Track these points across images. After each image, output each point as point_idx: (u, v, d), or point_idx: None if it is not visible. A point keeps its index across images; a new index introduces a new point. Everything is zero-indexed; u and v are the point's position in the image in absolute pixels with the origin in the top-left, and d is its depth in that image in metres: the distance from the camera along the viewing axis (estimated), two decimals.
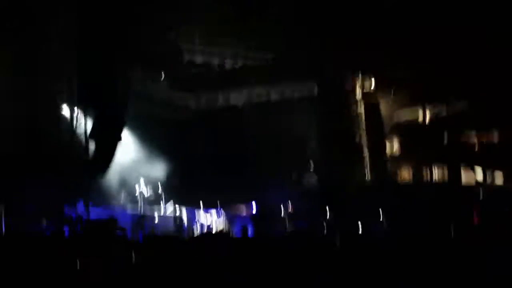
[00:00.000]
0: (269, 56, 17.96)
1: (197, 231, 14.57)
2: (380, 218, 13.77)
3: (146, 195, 15.33)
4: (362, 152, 16.89)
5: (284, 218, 14.82)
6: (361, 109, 17.23)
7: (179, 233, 13.98)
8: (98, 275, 9.08)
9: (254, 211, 15.34)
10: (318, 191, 16.24)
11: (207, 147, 17.27)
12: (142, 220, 13.93)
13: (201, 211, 15.18)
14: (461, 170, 16.36)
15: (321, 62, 16.78)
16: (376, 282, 8.41)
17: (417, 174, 16.83)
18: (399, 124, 17.47)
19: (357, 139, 16.93)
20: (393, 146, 17.41)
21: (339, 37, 16.13)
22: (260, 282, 8.68)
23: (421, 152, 16.70)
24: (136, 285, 9.01)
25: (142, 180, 15.54)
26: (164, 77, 17.95)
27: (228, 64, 18.40)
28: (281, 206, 15.03)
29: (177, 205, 15.18)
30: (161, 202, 15.29)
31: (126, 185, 15.66)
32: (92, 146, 15.19)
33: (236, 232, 14.55)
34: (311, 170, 16.76)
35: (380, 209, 14.01)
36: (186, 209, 15.09)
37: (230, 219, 15.07)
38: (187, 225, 14.56)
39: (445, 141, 16.76)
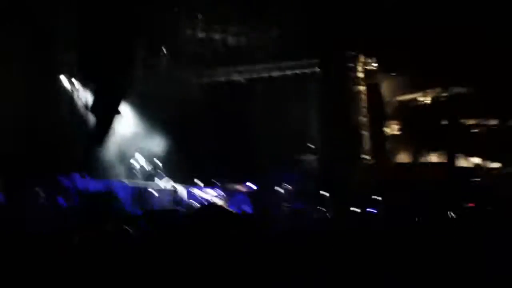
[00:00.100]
0: (271, 34, 17.84)
1: (194, 205, 14.52)
2: (379, 200, 13.73)
3: (144, 169, 15.31)
4: (362, 133, 16.84)
5: (282, 198, 14.79)
6: (363, 89, 17.15)
7: (176, 207, 13.95)
8: (95, 248, 9.04)
9: (252, 190, 15.30)
10: (318, 172, 16.18)
11: (208, 123, 17.18)
12: (139, 193, 13.90)
13: (199, 187, 15.14)
14: (459, 154, 16.35)
15: (323, 41, 16.63)
16: (373, 265, 8.35)
17: (416, 157, 16.83)
18: (400, 106, 17.45)
19: (357, 120, 16.86)
20: (393, 128, 17.39)
21: (341, 17, 16.05)
22: (255, 258, 8.63)
23: (420, 135, 16.69)
24: (133, 258, 8.96)
25: (141, 154, 15.51)
26: (166, 51, 17.83)
27: (231, 40, 18.28)
28: (280, 186, 14.99)
29: (175, 180, 15.14)
30: (159, 176, 15.26)
31: (125, 158, 15.63)
32: (91, 118, 15.15)
33: (232, 208, 14.52)
34: (311, 150, 16.66)
35: (378, 191, 13.99)
36: (184, 184, 15.06)
37: (228, 196, 15.02)
38: (185, 200, 14.53)
39: (445, 125, 16.75)
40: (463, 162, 16.17)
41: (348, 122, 16.72)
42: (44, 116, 14.34)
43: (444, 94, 16.86)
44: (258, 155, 16.57)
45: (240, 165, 16.13)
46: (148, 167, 15.42)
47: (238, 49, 18.08)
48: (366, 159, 16.62)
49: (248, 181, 15.68)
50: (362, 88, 17.07)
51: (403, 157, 17.06)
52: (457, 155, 16.25)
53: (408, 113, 17.22)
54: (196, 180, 15.29)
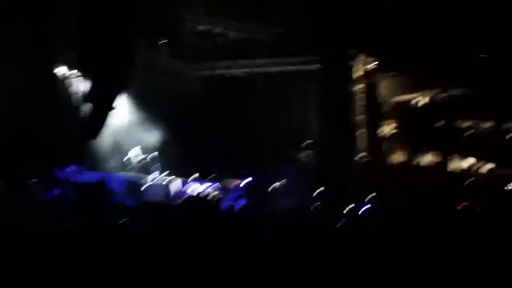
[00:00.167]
0: (272, 30, 17.85)
1: (189, 199, 14.51)
2: (374, 199, 13.74)
3: (141, 162, 15.32)
4: (359, 132, 16.85)
5: (278, 194, 14.78)
6: (361, 88, 17.15)
7: (170, 200, 13.95)
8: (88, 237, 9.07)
9: (248, 185, 15.29)
10: (315, 169, 16.20)
11: (206, 117, 17.19)
12: (135, 186, 13.92)
13: (196, 181, 15.15)
14: (455, 155, 16.39)
15: (322, 39, 16.63)
16: (368, 263, 8.39)
17: (412, 157, 16.86)
18: (397, 106, 17.46)
19: (355, 119, 16.87)
20: (390, 128, 17.40)
21: (341, 16, 16.08)
22: (247, 253, 8.67)
23: (415, 134, 16.73)
24: (126, 249, 9.00)
25: (136, 146, 15.52)
26: (165, 44, 17.82)
27: (231, 35, 18.28)
28: (276, 182, 14.99)
29: (171, 174, 15.15)
30: (156, 169, 15.27)
31: (121, 151, 15.63)
32: (87, 109, 15.15)
33: (228, 203, 14.52)
34: (307, 147, 16.67)
35: (374, 190, 14.00)
36: (181, 177, 15.07)
37: (224, 191, 15.02)
38: (179, 194, 14.52)
39: (442, 127, 16.78)
40: (458, 163, 16.21)
41: (346, 121, 16.71)
42: (41, 108, 14.34)
43: (442, 95, 16.87)
44: (256, 150, 16.62)
45: (238, 159, 16.15)
46: (144, 160, 15.43)
47: (238, 43, 18.10)
48: (363, 157, 16.63)
49: (245, 176, 15.67)
50: (360, 87, 17.07)
51: (399, 157, 17.08)
52: (452, 156, 16.29)
53: (406, 113, 17.23)
54: (193, 174, 15.29)
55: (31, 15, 14.41)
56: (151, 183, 14.50)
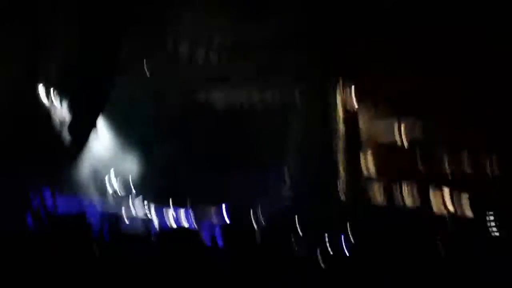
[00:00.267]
0: (255, 55, 17.82)
1: (165, 231, 14.39)
2: (351, 234, 13.75)
3: (117, 189, 15.13)
4: (338, 165, 16.83)
5: (255, 226, 14.72)
6: (341, 119, 17.17)
7: (147, 232, 13.81)
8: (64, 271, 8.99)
9: (225, 217, 15.22)
10: (292, 201, 16.14)
11: (184, 143, 17.06)
12: (110, 217, 13.74)
13: (172, 211, 15.00)
14: (434, 191, 16.42)
15: (305, 69, 16.65)
16: None
17: (392, 191, 16.86)
18: (376, 139, 17.49)
19: (334, 150, 16.86)
20: (370, 160, 17.42)
21: (325, 47, 16.13)
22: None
23: (397, 169, 16.74)
24: (102, 282, 8.93)
25: (113, 173, 15.33)
26: (146, 65, 17.70)
27: (213, 58, 18.22)
28: (254, 214, 14.92)
29: (147, 202, 14.99)
30: (132, 198, 15.10)
31: (98, 177, 15.42)
32: (64, 132, 14.96)
33: (205, 235, 14.42)
34: (287, 179, 16.62)
35: (352, 224, 14.00)
36: (157, 207, 14.92)
37: (201, 222, 14.91)
38: (156, 224, 14.38)
39: (421, 160, 16.82)
40: (438, 207, 16.24)
41: (325, 155, 16.70)
42: (18, 130, 14.11)
43: (422, 137, 16.93)
44: (233, 177, 16.50)
45: (215, 186, 16.04)
46: (121, 187, 15.24)
47: (220, 68, 18.04)
48: (341, 191, 16.61)
49: (221, 203, 15.60)
50: (341, 125, 17.09)
51: (378, 192, 17.08)
52: (433, 190, 16.33)
53: (386, 154, 17.25)
54: (170, 203, 15.17)
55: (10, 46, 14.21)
56: (127, 212, 14.33)
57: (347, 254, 12.67)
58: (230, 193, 15.86)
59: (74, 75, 14.94)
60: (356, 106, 17.09)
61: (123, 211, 14.39)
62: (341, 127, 17.01)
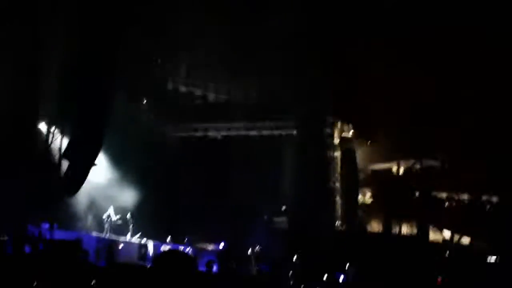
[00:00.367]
0: (251, 94, 18.05)
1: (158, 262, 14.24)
2: (347, 265, 13.66)
3: (115, 222, 15.09)
4: (334, 198, 16.85)
5: (250, 258, 14.63)
6: (337, 155, 17.27)
7: (142, 262, 13.71)
8: None
9: (221, 249, 15.14)
10: (288, 234, 16.09)
11: (182, 179, 17.13)
12: (106, 245, 13.67)
13: (169, 244, 14.93)
14: (429, 226, 16.42)
15: (302, 106, 16.81)
16: None
17: (386, 224, 16.85)
18: (373, 174, 17.56)
19: (331, 185, 16.90)
20: (365, 194, 17.47)
21: (321, 84, 16.30)
22: None
23: (392, 203, 16.75)
24: None
25: (111, 206, 15.32)
26: (146, 103, 17.91)
27: (210, 97, 18.46)
28: (250, 246, 14.85)
29: (143, 234, 14.96)
30: (128, 229, 15.07)
31: (96, 210, 15.41)
32: (64, 166, 15.00)
33: (200, 266, 14.30)
34: (283, 212, 16.63)
35: (348, 256, 13.93)
36: (152, 239, 14.87)
37: (197, 254, 14.81)
38: (151, 255, 14.28)
39: (416, 196, 16.87)
40: (434, 235, 16.22)
41: (322, 188, 16.72)
42: (18, 163, 14.14)
43: (417, 166, 17.00)
44: (230, 213, 16.48)
45: (212, 222, 16.02)
46: (119, 220, 15.20)
47: (217, 106, 18.25)
48: (338, 225, 16.59)
49: (218, 240, 15.54)
50: (337, 154, 17.18)
51: (374, 226, 17.08)
52: (429, 227, 16.31)
53: (381, 182, 17.31)
54: (165, 237, 15.13)
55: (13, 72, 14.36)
56: (124, 244, 14.26)
57: (345, 283, 12.57)
58: (228, 223, 15.85)
59: (74, 107, 15.01)
60: (353, 138, 17.25)
61: (120, 241, 14.33)
62: (338, 158, 17.12)
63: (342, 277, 12.99)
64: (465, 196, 16.40)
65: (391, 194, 16.78)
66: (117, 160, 15.92)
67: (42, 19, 14.61)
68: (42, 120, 15.30)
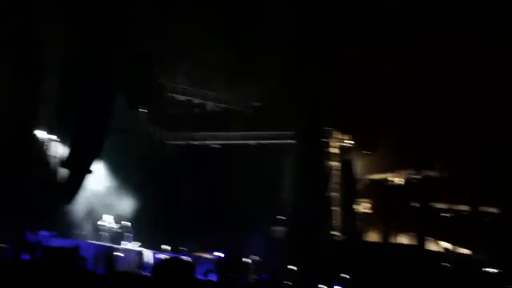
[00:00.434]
0: (250, 103, 18.08)
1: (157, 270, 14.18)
2: (346, 276, 13.64)
3: (112, 230, 15.05)
4: (333, 207, 16.82)
5: (248, 267, 14.59)
6: (336, 165, 17.25)
7: (141, 270, 13.64)
8: None
9: (219, 258, 15.09)
10: (287, 244, 16.06)
11: (179, 187, 17.11)
12: (104, 253, 13.60)
13: (166, 253, 14.87)
14: (428, 237, 16.40)
15: (301, 116, 16.82)
16: None
17: (385, 235, 16.83)
18: (372, 184, 17.53)
19: (329, 194, 16.87)
20: (364, 205, 17.45)
21: (320, 94, 16.31)
22: None
23: (390, 214, 16.74)
24: None
25: (109, 213, 15.29)
26: (145, 112, 17.90)
27: (209, 106, 18.46)
28: (246, 255, 14.82)
29: (140, 243, 14.91)
30: (127, 238, 15.02)
31: (92, 216, 15.37)
32: (62, 174, 14.97)
33: (198, 275, 14.24)
34: (282, 221, 16.59)
35: (346, 266, 13.91)
36: (151, 247, 14.80)
37: (195, 262, 14.74)
38: (150, 263, 14.21)
39: (413, 206, 16.86)
40: (432, 246, 16.19)
41: (320, 197, 16.70)
42: (15, 170, 14.11)
43: (415, 177, 17.00)
44: (228, 222, 16.46)
45: (210, 231, 16.00)
46: (116, 229, 15.17)
47: (216, 115, 18.26)
48: (336, 235, 16.55)
49: (216, 249, 15.49)
50: (335, 164, 17.17)
51: (373, 236, 17.04)
52: (427, 238, 16.28)
53: (380, 193, 17.29)
54: (163, 246, 15.07)
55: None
56: (121, 252, 14.18)
57: None
58: (227, 232, 15.82)
59: (72, 114, 15.00)
60: (352, 147, 17.25)
61: (118, 248, 14.27)
62: (336, 168, 17.11)
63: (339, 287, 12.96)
64: (464, 207, 16.38)
65: (390, 204, 16.76)
66: (115, 168, 15.90)
67: (42, 21, 14.66)
68: (40, 127, 15.29)
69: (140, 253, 14.42)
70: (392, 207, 16.66)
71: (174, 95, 18.04)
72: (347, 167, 17.24)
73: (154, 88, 17.76)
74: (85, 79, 14.81)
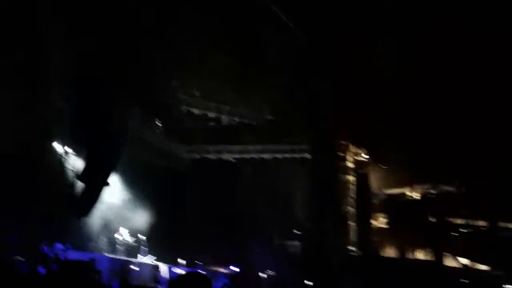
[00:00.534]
0: (264, 117, 18.05)
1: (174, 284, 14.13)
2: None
3: (128, 244, 15.04)
4: (348, 222, 16.70)
5: (264, 282, 14.53)
6: (351, 179, 17.15)
7: (156, 285, 13.62)
8: None
9: (234, 272, 15.03)
10: (301, 258, 15.97)
11: (195, 201, 17.08)
12: (119, 267, 13.60)
13: (182, 267, 14.85)
14: (445, 253, 16.23)
15: (316, 128, 16.76)
16: None
17: (401, 250, 16.68)
18: (388, 199, 17.41)
19: (344, 209, 16.76)
20: (380, 219, 17.32)
21: (335, 106, 16.24)
22: None
23: (406, 228, 16.59)
24: None
25: (124, 227, 15.28)
26: (161, 125, 17.93)
27: (223, 120, 18.46)
28: (262, 269, 14.76)
29: (157, 258, 14.87)
30: (142, 252, 14.99)
31: (108, 230, 15.36)
32: (78, 187, 14.99)
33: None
34: (296, 236, 16.52)
35: (362, 282, 13.80)
36: (165, 261, 14.78)
37: (211, 276, 14.67)
38: (165, 278, 14.19)
39: (431, 221, 16.71)
40: (450, 262, 16.01)
41: (336, 211, 16.59)
42: (32, 183, 14.13)
43: (432, 191, 16.87)
44: (244, 236, 16.40)
45: (225, 245, 15.95)
46: (131, 242, 15.15)
47: (230, 128, 18.25)
48: (352, 250, 16.43)
49: (231, 264, 15.44)
50: (351, 178, 17.07)
51: (389, 251, 16.89)
52: (444, 254, 16.11)
53: (396, 207, 17.16)
54: (179, 260, 15.04)
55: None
56: (136, 266, 14.16)
57: None
58: (241, 246, 15.75)
59: (89, 128, 15.04)
60: (367, 162, 17.16)
61: (133, 262, 14.24)
62: (352, 182, 17.01)
63: None
64: (482, 223, 16.21)
65: (407, 219, 16.62)
66: (131, 181, 15.91)
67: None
68: (56, 140, 15.33)
69: (156, 267, 14.41)
70: (409, 222, 16.51)
71: (189, 108, 18.06)
72: (363, 181, 17.13)
73: (169, 101, 17.78)
74: (100, 93, 14.85)
